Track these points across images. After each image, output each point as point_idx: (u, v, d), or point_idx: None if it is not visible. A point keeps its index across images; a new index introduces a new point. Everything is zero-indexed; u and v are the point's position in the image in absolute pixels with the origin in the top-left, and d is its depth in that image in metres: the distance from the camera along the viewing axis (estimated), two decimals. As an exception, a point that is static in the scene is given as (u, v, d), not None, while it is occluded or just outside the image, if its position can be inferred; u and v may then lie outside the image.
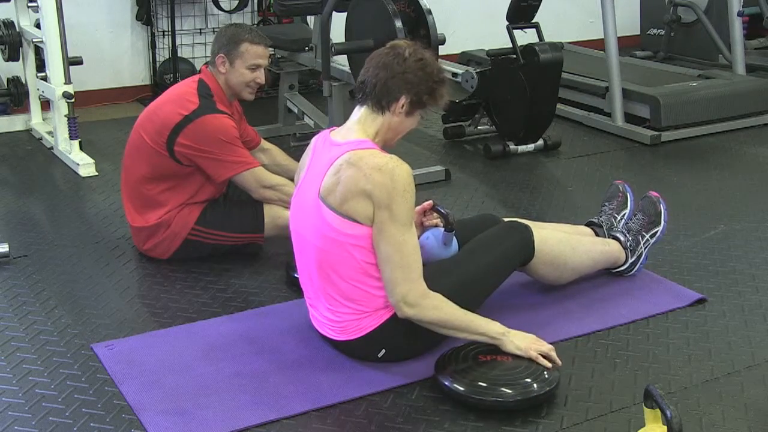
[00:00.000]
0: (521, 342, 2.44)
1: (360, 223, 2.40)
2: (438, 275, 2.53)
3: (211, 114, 3.15)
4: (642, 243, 3.10)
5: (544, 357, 2.42)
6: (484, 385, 2.34)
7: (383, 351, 2.53)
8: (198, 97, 3.17)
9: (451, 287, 2.51)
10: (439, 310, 2.42)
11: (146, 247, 3.30)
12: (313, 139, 2.63)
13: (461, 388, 2.35)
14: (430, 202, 2.74)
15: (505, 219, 2.94)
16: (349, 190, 2.38)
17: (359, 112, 2.51)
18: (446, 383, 2.38)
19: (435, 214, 2.75)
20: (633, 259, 3.09)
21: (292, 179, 3.60)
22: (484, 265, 2.66)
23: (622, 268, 3.10)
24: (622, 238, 3.10)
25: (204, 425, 2.29)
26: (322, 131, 2.62)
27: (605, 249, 3.05)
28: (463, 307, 2.47)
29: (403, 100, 2.44)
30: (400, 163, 2.40)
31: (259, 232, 3.26)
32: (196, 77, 3.28)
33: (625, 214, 3.18)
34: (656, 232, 3.12)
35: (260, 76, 3.27)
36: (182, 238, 3.23)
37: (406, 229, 2.39)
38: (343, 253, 2.43)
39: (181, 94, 3.22)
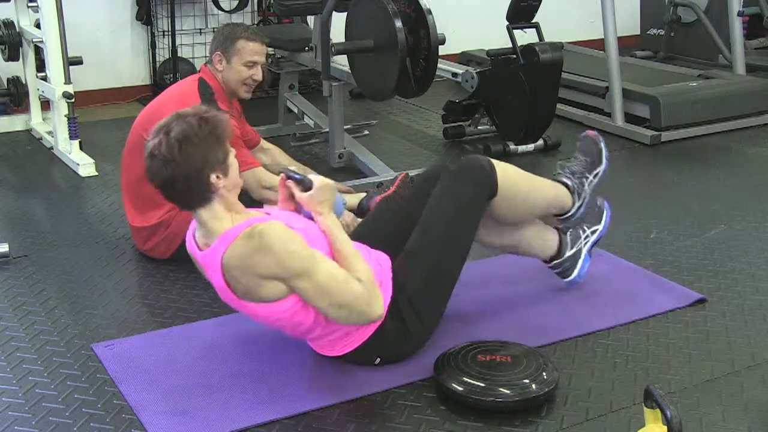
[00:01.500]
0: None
1: (283, 299, 2.29)
2: (408, 262, 2.51)
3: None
4: (587, 184, 2.95)
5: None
6: (483, 385, 2.34)
7: (378, 359, 2.53)
8: (200, 96, 3.17)
9: (429, 267, 2.50)
10: (378, 299, 2.36)
11: (146, 246, 3.31)
12: (188, 249, 2.44)
13: (460, 389, 2.35)
14: (282, 175, 2.50)
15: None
16: (251, 284, 2.26)
17: (196, 216, 2.32)
18: (445, 383, 2.38)
19: (292, 184, 2.49)
20: (579, 203, 2.94)
21: None
22: (450, 226, 2.56)
23: (569, 214, 2.92)
24: (569, 183, 2.92)
25: (204, 425, 2.29)
26: (188, 238, 2.42)
27: (557, 192, 2.88)
28: (448, 273, 2.52)
29: (213, 177, 2.25)
30: (259, 228, 2.22)
31: None
32: (196, 76, 3.28)
33: (598, 173, 2.99)
34: (598, 171, 2.98)
35: (257, 73, 3.27)
36: (182, 238, 3.22)
37: (311, 267, 2.26)
38: (298, 319, 2.35)
39: (183, 94, 3.22)
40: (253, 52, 3.24)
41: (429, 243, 2.56)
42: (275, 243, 2.21)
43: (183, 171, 2.22)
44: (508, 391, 2.33)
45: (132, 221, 3.30)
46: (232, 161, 2.31)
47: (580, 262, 2.95)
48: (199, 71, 3.32)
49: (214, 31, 5.73)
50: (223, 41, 3.23)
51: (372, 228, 2.73)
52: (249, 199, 3.28)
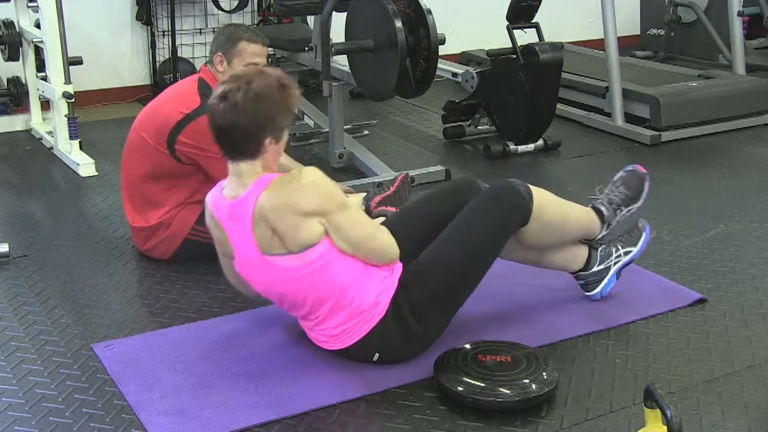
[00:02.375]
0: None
1: (315, 245, 2.34)
2: (424, 270, 2.51)
3: None
4: (617, 217, 2.95)
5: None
6: (483, 385, 2.34)
7: (377, 355, 2.52)
8: (199, 96, 3.17)
9: (440, 280, 2.50)
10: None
11: (146, 247, 3.31)
12: (214, 214, 2.49)
13: (460, 389, 2.35)
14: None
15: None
16: (286, 223, 2.31)
17: (235, 167, 2.39)
18: (445, 383, 2.38)
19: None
20: (605, 232, 2.94)
21: None
22: (475, 246, 2.57)
23: (592, 240, 2.91)
24: (605, 212, 2.90)
25: (204, 425, 2.29)
26: (211, 197, 2.50)
27: (589, 222, 2.88)
28: (461, 290, 2.55)
29: (268, 140, 2.35)
30: (299, 170, 2.37)
31: None
32: (195, 76, 3.28)
33: (632, 209, 2.98)
34: (632, 208, 2.97)
35: None
36: (182, 238, 3.23)
37: (350, 210, 2.41)
38: (314, 280, 2.38)
39: (182, 93, 3.22)
40: (254, 53, 3.24)
41: (449, 257, 2.55)
42: (318, 178, 2.35)
43: (246, 123, 2.30)
44: (508, 391, 2.33)
45: (132, 221, 3.30)
46: (285, 135, 2.42)
47: (606, 279, 2.91)
48: (199, 71, 3.32)
49: (214, 32, 5.75)
50: (225, 42, 3.24)
51: (394, 228, 2.70)
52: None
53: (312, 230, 2.33)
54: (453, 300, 2.58)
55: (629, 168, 3.06)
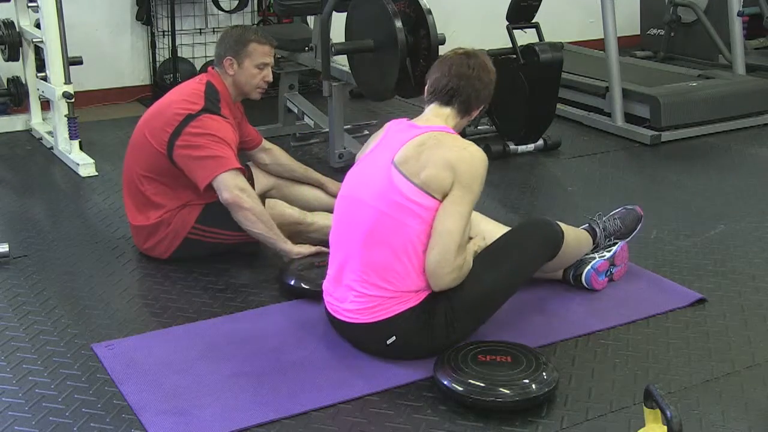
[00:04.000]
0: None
1: (431, 195, 2.46)
2: (471, 279, 2.55)
3: (215, 115, 3.16)
4: (604, 243, 3.12)
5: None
6: (483, 385, 2.34)
7: (393, 338, 2.53)
8: (204, 99, 3.17)
9: (482, 293, 2.57)
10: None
11: (146, 246, 3.30)
12: (387, 124, 2.70)
13: (460, 388, 2.35)
14: None
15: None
16: (435, 160, 2.46)
17: (440, 109, 2.62)
18: (445, 383, 2.39)
19: None
20: (591, 255, 3.06)
21: (293, 179, 3.60)
22: (513, 270, 2.68)
23: (576, 261, 3.06)
24: (598, 234, 3.10)
25: (204, 425, 2.29)
26: (398, 119, 2.70)
27: (588, 246, 3.06)
28: (488, 310, 2.63)
29: (481, 109, 2.65)
30: (481, 151, 2.54)
31: None
32: (204, 78, 3.27)
33: (618, 242, 3.15)
34: (620, 242, 3.13)
35: (269, 75, 3.30)
36: (182, 237, 3.23)
37: (470, 211, 2.50)
38: (402, 219, 2.47)
39: (190, 93, 3.22)
40: (264, 53, 3.26)
41: (492, 274, 2.62)
42: (481, 160, 2.52)
43: (478, 86, 2.61)
44: (508, 391, 2.33)
45: (132, 220, 3.30)
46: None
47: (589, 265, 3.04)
48: (206, 72, 3.31)
49: (214, 32, 5.79)
50: (234, 45, 3.24)
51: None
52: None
53: (440, 180, 2.45)
54: (485, 313, 2.65)
55: (630, 206, 3.27)
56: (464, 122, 2.67)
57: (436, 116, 2.62)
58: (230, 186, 3.09)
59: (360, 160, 2.71)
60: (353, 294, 2.56)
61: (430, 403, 2.39)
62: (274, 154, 3.60)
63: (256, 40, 3.26)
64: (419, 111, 2.71)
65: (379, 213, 2.50)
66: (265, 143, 3.61)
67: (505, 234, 2.78)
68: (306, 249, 3.15)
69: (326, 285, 2.70)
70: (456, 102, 2.61)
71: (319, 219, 3.34)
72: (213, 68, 3.32)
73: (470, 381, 2.36)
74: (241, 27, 3.41)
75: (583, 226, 3.11)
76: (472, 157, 2.50)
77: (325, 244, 2.88)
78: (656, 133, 4.88)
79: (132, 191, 3.29)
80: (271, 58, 3.31)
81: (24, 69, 4.93)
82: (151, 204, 3.23)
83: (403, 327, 2.51)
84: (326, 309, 2.69)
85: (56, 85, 4.46)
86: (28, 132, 5.05)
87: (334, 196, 2.98)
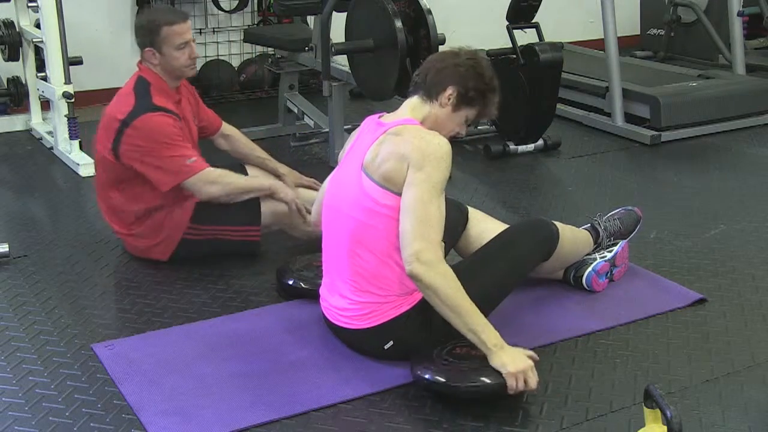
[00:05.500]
0: (509, 361, 2.31)
1: (395, 194, 2.42)
2: (464, 278, 2.48)
3: (146, 114, 3.10)
4: (604, 243, 3.10)
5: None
6: (453, 374, 2.35)
7: (391, 343, 2.53)
8: (134, 97, 3.14)
9: (476, 292, 2.48)
10: (447, 279, 2.35)
11: (141, 249, 3.29)
12: (363, 122, 2.68)
13: (426, 376, 2.36)
14: None
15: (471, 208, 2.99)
16: (387, 154, 2.43)
17: (410, 101, 2.58)
18: (422, 375, 2.38)
19: None
20: (592, 255, 3.05)
21: (257, 166, 3.51)
22: (507, 268, 2.67)
23: (577, 261, 3.04)
24: (600, 234, 3.09)
25: (204, 425, 2.29)
26: (372, 115, 2.67)
27: (589, 247, 3.05)
28: (483, 309, 2.46)
29: (450, 91, 2.51)
30: (441, 138, 2.46)
31: (255, 224, 3.23)
32: (135, 73, 3.26)
33: (618, 242, 3.14)
34: (619, 242, 3.12)
35: (192, 51, 3.22)
36: (179, 239, 3.21)
37: (436, 194, 2.39)
38: (379, 225, 2.45)
39: (121, 95, 3.21)
40: (178, 34, 3.17)
41: (484, 274, 2.61)
42: (437, 145, 2.42)
43: (465, 81, 2.50)
44: (487, 380, 2.31)
45: (118, 230, 3.29)
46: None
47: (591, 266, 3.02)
48: (138, 69, 3.29)
49: (214, 32, 5.80)
50: (148, 34, 3.18)
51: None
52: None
53: (395, 173, 2.41)
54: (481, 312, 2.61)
55: (629, 208, 3.27)
56: (440, 112, 2.53)
57: (404, 108, 2.59)
58: (198, 189, 3.13)
59: (340, 163, 2.69)
60: (347, 302, 2.56)
61: (430, 403, 2.39)
62: (233, 141, 3.54)
63: (166, 23, 3.17)
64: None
65: (356, 222, 2.49)
66: (225, 128, 3.53)
67: (499, 233, 2.77)
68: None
69: (322, 291, 2.70)
70: (420, 89, 2.56)
71: (302, 192, 3.39)
72: (141, 63, 3.29)
73: (448, 370, 2.36)
74: (147, 12, 3.35)
75: (585, 226, 3.11)
76: (428, 144, 2.41)
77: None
78: (656, 133, 4.88)
79: (104, 203, 3.29)
80: (188, 34, 3.20)
81: (24, 69, 4.93)
82: (125, 212, 3.23)
83: (400, 331, 2.51)
84: (323, 315, 2.69)
85: (56, 85, 4.46)
86: (28, 132, 5.05)
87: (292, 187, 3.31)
